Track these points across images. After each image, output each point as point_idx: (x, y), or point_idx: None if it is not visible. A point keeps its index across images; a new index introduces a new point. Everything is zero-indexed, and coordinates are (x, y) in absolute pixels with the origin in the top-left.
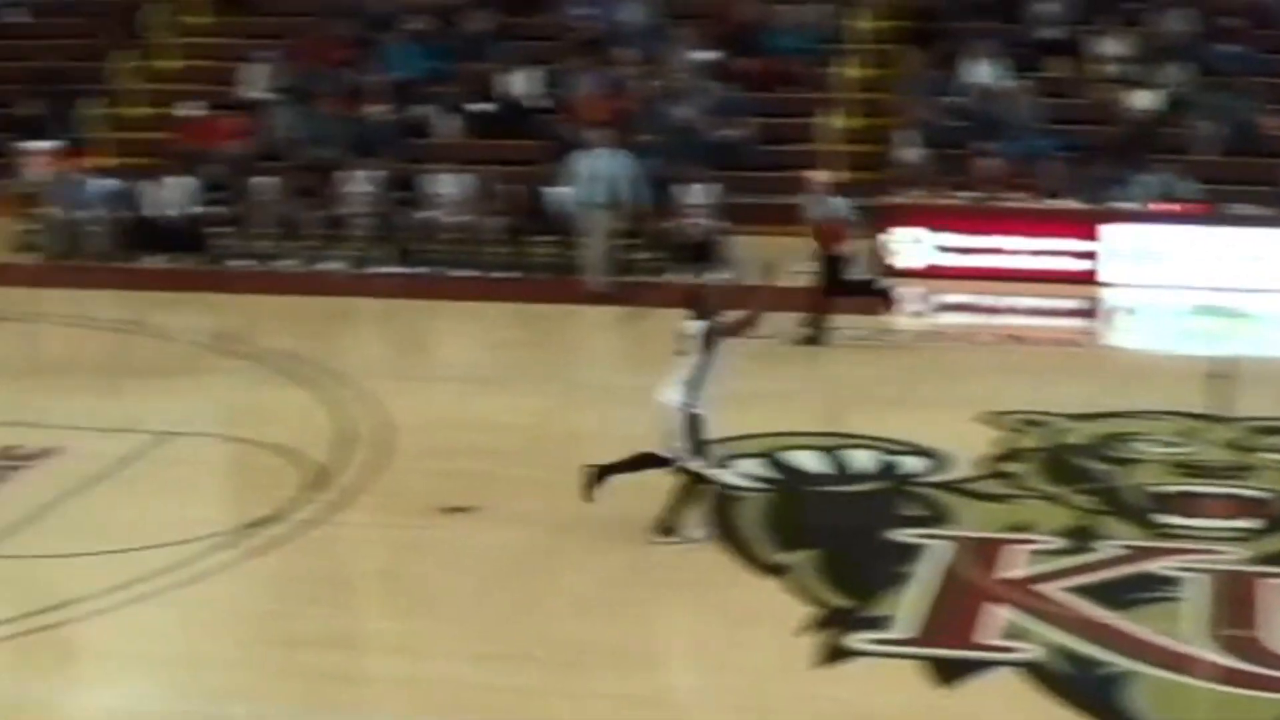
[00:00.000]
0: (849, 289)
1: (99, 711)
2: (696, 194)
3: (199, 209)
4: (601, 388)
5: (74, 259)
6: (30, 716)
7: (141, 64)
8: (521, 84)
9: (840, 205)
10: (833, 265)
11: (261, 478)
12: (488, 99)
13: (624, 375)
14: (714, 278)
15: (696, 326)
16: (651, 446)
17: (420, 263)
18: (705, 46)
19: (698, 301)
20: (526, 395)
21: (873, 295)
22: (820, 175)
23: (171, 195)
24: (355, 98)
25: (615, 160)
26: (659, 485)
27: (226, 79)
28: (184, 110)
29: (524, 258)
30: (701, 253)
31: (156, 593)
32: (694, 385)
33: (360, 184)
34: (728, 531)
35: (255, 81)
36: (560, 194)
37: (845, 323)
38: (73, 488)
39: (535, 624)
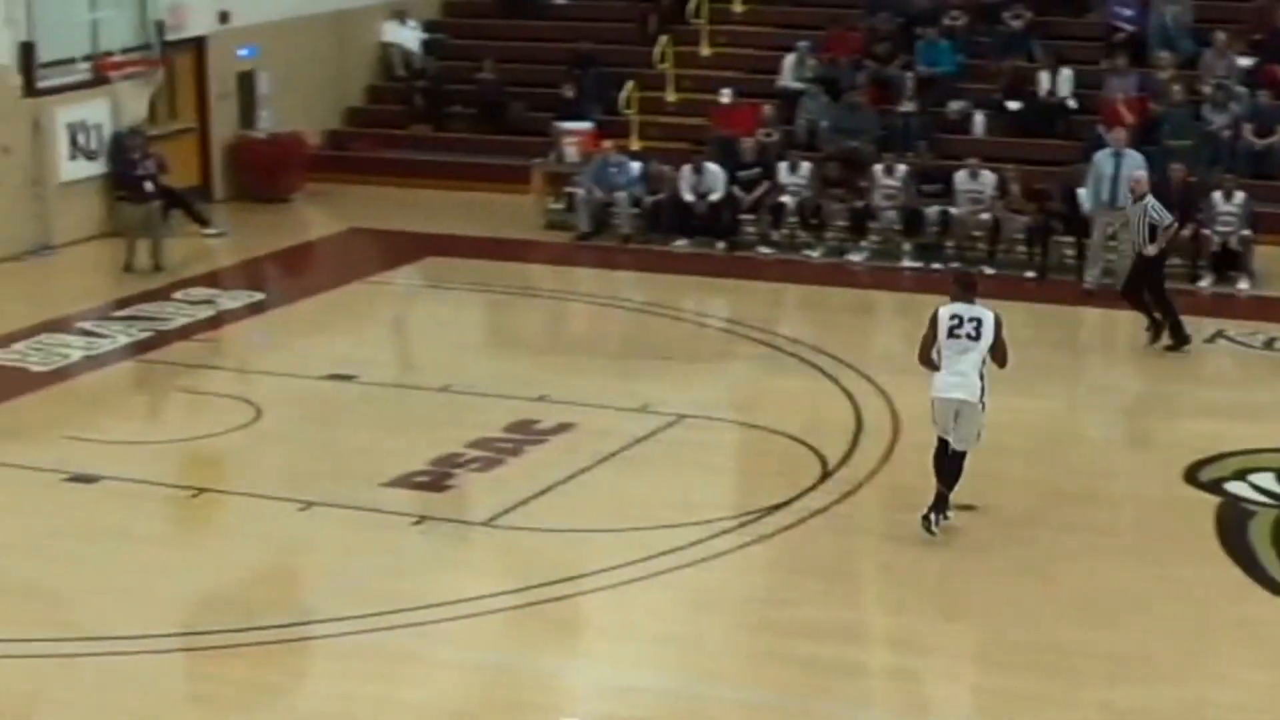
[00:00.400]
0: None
1: (593, 684)
2: (1224, 201)
3: (726, 195)
4: (1108, 390)
5: (602, 239)
6: (527, 684)
7: (679, 49)
8: (1056, 83)
9: (1156, 211)
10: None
11: (770, 465)
12: (1019, 97)
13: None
14: (1240, 288)
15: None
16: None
17: (942, 258)
18: (1243, 52)
19: (969, 286)
20: (1033, 396)
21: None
22: (1141, 176)
23: (701, 181)
24: (886, 91)
25: (1128, 162)
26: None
27: (762, 67)
28: (719, 96)
29: (1044, 257)
30: (1227, 261)
31: (659, 573)
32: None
33: (888, 177)
34: (1238, 546)
35: (789, 71)
36: (1081, 195)
37: None
38: (585, 464)
39: (1033, 627)
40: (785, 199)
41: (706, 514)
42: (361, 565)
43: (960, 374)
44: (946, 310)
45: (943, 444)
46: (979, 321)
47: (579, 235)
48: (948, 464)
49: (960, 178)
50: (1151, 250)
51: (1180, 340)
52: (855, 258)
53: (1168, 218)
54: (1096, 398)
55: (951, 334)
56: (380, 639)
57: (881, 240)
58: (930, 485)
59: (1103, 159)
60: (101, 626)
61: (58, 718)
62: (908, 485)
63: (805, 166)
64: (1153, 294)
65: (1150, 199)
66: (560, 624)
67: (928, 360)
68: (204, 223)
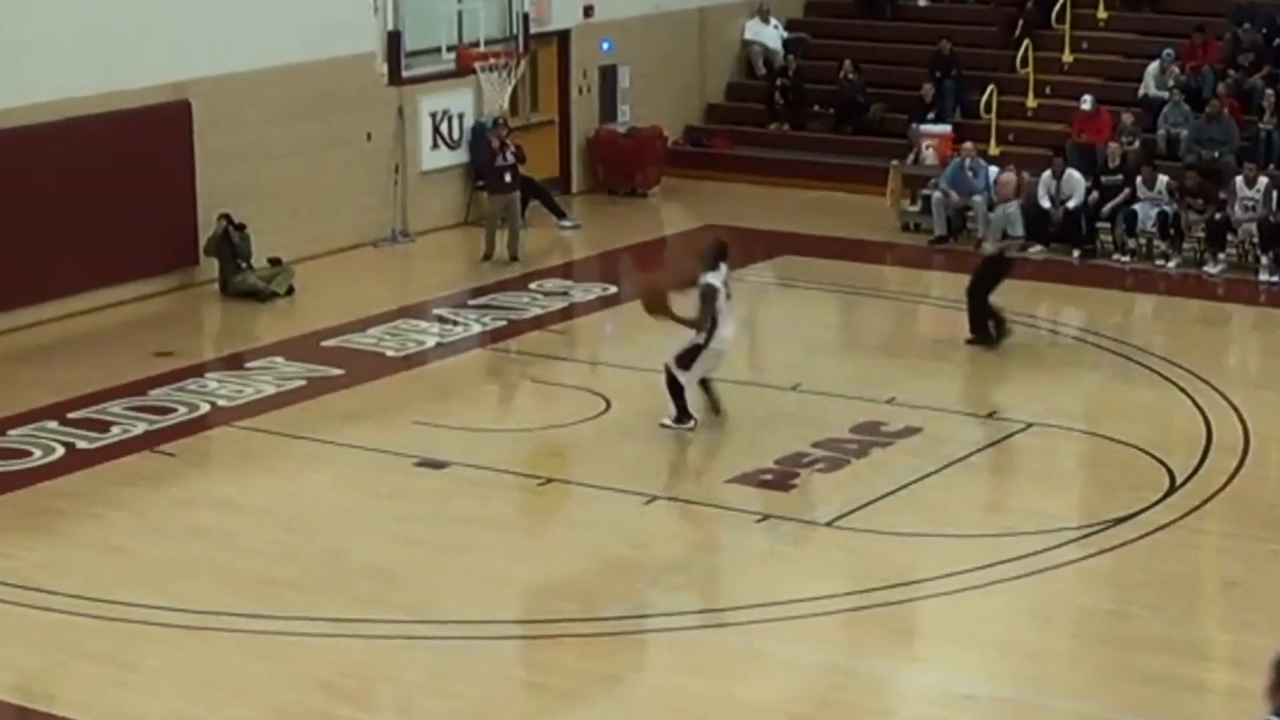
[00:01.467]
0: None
1: (929, 690)
2: None
3: (1084, 203)
4: None
5: (957, 243)
6: (862, 687)
7: (1041, 54)
8: None
9: (1015, 215)
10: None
11: (1118, 476)
12: None
13: None
14: None
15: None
16: None
17: None
18: None
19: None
20: None
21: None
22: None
23: (1061, 187)
24: (1248, 102)
25: None
26: None
27: (1122, 75)
28: (1079, 103)
29: None
30: None
31: (1000, 580)
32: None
33: (1248, 189)
34: None
35: (1151, 79)
36: None
37: None
38: (930, 469)
39: None
40: (1137, 208)
41: (1050, 523)
42: (702, 561)
43: None
44: None
45: None
46: None
47: (934, 238)
48: None
49: None
50: (989, 248)
51: (984, 339)
52: (1212, 269)
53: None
54: None
55: None
56: (717, 635)
57: (1239, 252)
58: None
59: None
60: (443, 610)
61: (396, 698)
62: (1256, 501)
63: (1162, 180)
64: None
65: (1014, 204)
66: (898, 628)
67: None
68: (560, 214)
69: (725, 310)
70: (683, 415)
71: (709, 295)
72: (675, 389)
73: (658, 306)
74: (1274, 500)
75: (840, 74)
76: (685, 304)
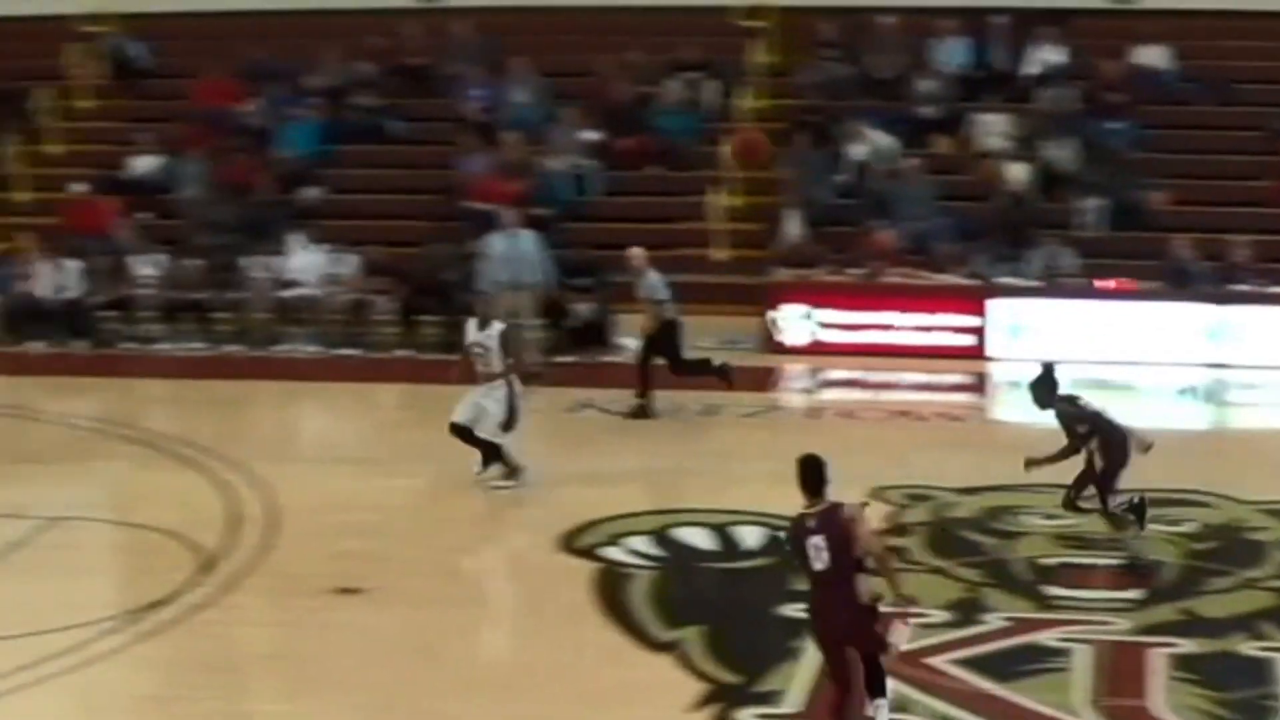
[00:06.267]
0: (689, 368)
1: None
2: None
3: (82, 292)
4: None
5: None
6: None
7: (28, 148)
8: None
9: (656, 283)
10: (658, 343)
11: (152, 561)
12: None
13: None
14: (604, 358)
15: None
16: None
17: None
18: (589, 127)
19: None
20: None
21: (711, 374)
22: (637, 252)
23: (57, 278)
24: (248, 181)
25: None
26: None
27: (112, 162)
28: (71, 194)
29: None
30: (590, 335)
31: (48, 677)
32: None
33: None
34: (616, 609)
35: (143, 164)
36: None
37: (734, 399)
38: None
39: (419, 703)
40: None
41: (91, 615)
42: None
43: None
44: None
45: None
46: None
47: None
48: None
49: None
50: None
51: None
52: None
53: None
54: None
55: None
56: None
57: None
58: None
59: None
60: None
61: None
62: (291, 573)
63: (159, 258)
64: (672, 360)
65: (652, 273)
66: None
67: None
68: None
69: None
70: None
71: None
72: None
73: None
74: (310, 570)
75: None
76: None
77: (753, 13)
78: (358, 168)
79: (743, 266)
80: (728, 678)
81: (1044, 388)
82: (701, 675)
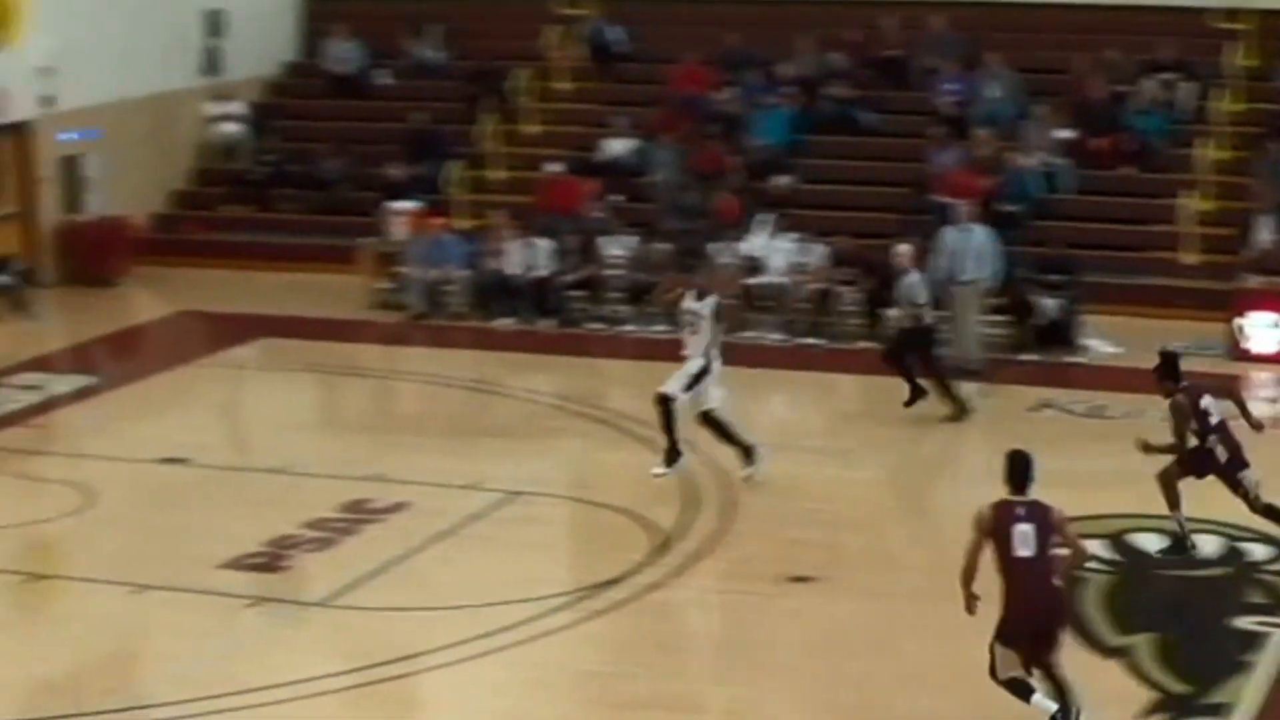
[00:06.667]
0: (937, 374)
1: None
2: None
3: (551, 271)
4: (942, 460)
5: (432, 318)
6: None
7: (505, 127)
8: None
9: (916, 285)
10: (911, 344)
11: (606, 539)
12: None
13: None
14: (1067, 358)
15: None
16: None
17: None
18: (1062, 124)
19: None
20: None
21: (948, 397)
22: (905, 249)
23: (527, 257)
24: (719, 167)
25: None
26: None
27: (586, 144)
28: (545, 174)
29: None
30: (1055, 333)
31: (496, 650)
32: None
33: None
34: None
35: (617, 147)
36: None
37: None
38: (419, 543)
39: (863, 696)
40: (610, 272)
41: (542, 590)
42: (195, 648)
43: None
44: None
45: None
46: None
47: (414, 314)
48: None
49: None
50: (908, 322)
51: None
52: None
53: (922, 297)
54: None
55: None
56: None
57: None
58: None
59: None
60: None
61: None
62: (746, 557)
63: (628, 240)
64: (923, 364)
65: (915, 273)
66: (399, 704)
67: None
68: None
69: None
70: (745, 454)
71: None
72: (719, 428)
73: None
74: (764, 555)
75: (315, 156)
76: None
77: (1231, 15)
78: (828, 158)
79: (1212, 271)
80: (1177, 688)
81: None
82: (1151, 683)
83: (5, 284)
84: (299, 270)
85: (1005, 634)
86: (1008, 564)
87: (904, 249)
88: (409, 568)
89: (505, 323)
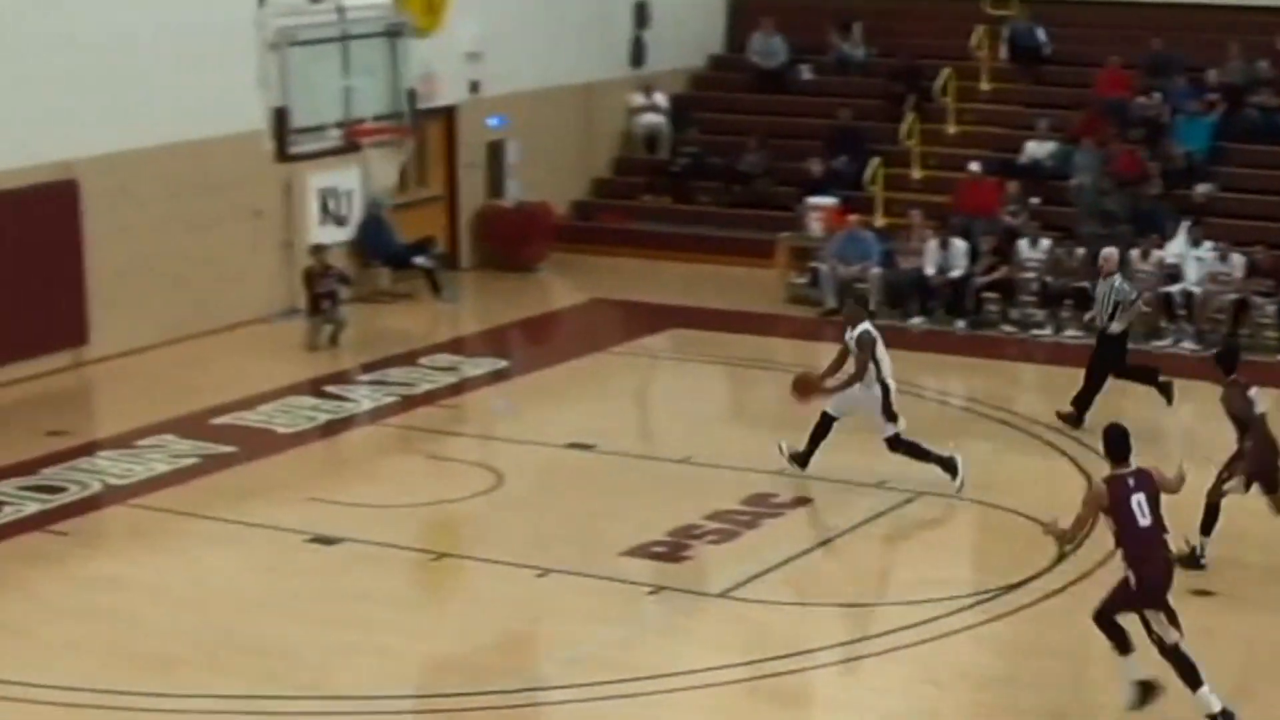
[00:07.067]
0: (1130, 374)
1: None
2: None
3: (966, 272)
4: None
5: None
6: None
7: (926, 126)
8: None
9: (1124, 287)
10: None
11: (1007, 543)
12: None
13: None
14: None
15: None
16: None
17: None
18: None
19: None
20: None
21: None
22: (1111, 253)
23: (943, 257)
24: (1139, 173)
25: None
26: None
27: (1008, 145)
28: (964, 174)
29: None
30: None
31: (889, 650)
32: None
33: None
34: None
35: (1036, 144)
36: None
37: None
38: (819, 539)
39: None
40: (1025, 275)
41: (941, 591)
42: (595, 634)
43: None
44: None
45: None
46: None
47: (825, 310)
48: None
49: None
50: (1116, 328)
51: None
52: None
53: (1133, 293)
54: None
55: None
56: (608, 707)
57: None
58: None
59: None
60: (336, 686)
61: None
62: None
63: (1044, 243)
64: (1116, 370)
65: (1117, 277)
66: (792, 698)
67: None
68: (438, 290)
69: (884, 353)
70: (944, 465)
71: (866, 343)
72: (913, 450)
73: (810, 389)
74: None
75: (736, 149)
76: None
77: None
78: (1250, 167)
79: None
80: None
81: None
82: None
83: (424, 265)
84: (714, 262)
85: (1147, 599)
86: (1134, 534)
87: (1110, 252)
88: (807, 563)
89: (918, 322)
